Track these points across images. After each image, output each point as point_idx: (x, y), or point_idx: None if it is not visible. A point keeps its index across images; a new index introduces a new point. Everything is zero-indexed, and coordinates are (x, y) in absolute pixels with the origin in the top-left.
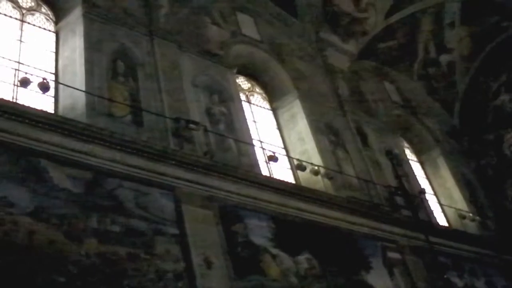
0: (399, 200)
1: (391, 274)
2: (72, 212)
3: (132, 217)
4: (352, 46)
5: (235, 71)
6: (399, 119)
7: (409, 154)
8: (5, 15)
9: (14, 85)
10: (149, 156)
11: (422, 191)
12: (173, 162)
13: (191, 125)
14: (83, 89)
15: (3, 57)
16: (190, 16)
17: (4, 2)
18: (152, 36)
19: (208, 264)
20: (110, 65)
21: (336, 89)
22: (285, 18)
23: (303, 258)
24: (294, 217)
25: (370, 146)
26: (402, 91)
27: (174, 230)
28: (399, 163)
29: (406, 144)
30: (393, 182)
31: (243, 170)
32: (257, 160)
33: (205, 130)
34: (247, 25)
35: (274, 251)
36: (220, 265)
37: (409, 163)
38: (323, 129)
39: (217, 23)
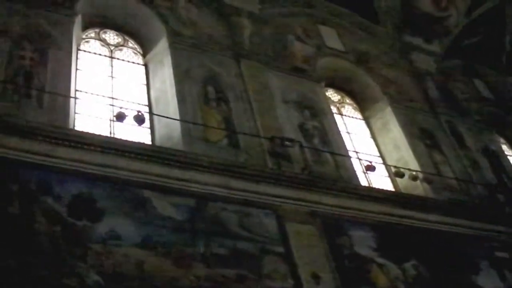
0: (501, 197)
1: (500, 274)
2: (179, 239)
3: (237, 239)
4: (436, 47)
5: (323, 84)
6: (493, 115)
7: (506, 150)
8: (95, 53)
9: (111, 120)
10: (248, 177)
11: None
12: (272, 180)
13: (287, 143)
14: (177, 117)
15: (97, 94)
16: (273, 35)
17: (93, 41)
18: (238, 58)
19: (316, 279)
20: (201, 91)
21: (425, 91)
22: (367, 25)
23: (409, 265)
24: (396, 225)
25: (466, 145)
26: (492, 87)
27: (280, 249)
28: (497, 160)
29: (502, 140)
30: (493, 180)
31: (342, 182)
32: (355, 171)
33: (301, 146)
34: (330, 37)
35: (380, 260)
36: (328, 279)
37: (507, 159)
38: (417, 133)
39: (301, 39)
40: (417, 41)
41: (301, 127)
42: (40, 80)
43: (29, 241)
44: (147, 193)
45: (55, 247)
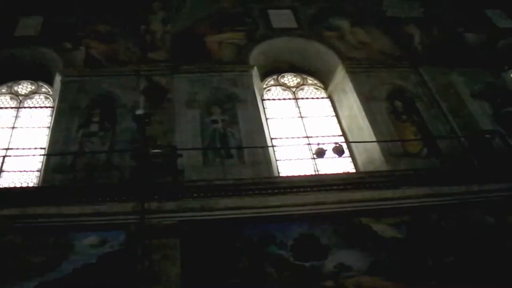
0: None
1: None
2: (404, 258)
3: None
4: None
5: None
6: None
7: None
8: (279, 99)
9: (312, 158)
10: (458, 180)
11: None
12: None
13: (487, 135)
14: (373, 139)
15: (292, 137)
16: (441, 34)
17: (274, 88)
18: (416, 66)
19: None
20: (389, 108)
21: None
22: None
23: None
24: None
25: None
26: None
27: None
28: None
29: None
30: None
31: None
32: None
33: (502, 137)
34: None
35: None
36: None
37: None
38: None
39: (471, 30)
40: None
41: (496, 118)
42: (236, 138)
43: None
44: (364, 220)
45: None
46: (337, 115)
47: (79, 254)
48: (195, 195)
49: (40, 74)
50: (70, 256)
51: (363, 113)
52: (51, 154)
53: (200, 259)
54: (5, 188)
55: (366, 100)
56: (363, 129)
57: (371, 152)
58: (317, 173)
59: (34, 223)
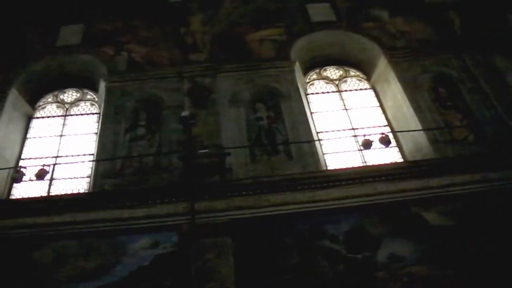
0: None
1: None
2: (454, 246)
3: None
4: None
5: None
6: None
7: None
8: (322, 92)
9: (359, 150)
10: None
11: None
12: None
13: None
14: (419, 127)
15: (337, 130)
16: (482, 18)
17: (316, 82)
18: (459, 52)
19: None
20: (433, 95)
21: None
22: None
23: None
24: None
25: None
26: None
27: None
28: None
29: None
30: None
31: None
32: None
33: None
34: None
35: None
36: None
37: None
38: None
39: None
40: None
41: None
42: (282, 134)
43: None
44: (414, 209)
45: (341, 285)
46: (381, 106)
47: (133, 257)
48: (244, 192)
49: (84, 82)
50: (123, 259)
51: (407, 102)
52: (100, 159)
53: (252, 256)
54: (56, 196)
55: (410, 88)
56: (408, 118)
57: (418, 141)
58: (364, 164)
59: (87, 228)
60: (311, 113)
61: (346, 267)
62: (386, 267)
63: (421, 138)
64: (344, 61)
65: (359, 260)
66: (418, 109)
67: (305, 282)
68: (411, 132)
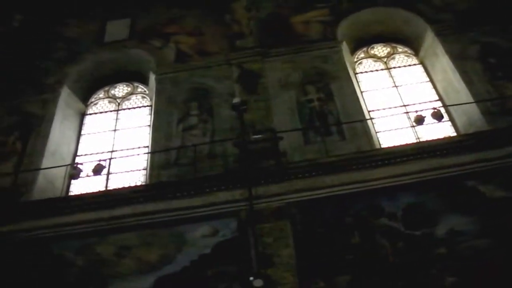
0: None
1: None
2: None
3: None
4: None
5: None
6: None
7: None
8: (371, 71)
9: (411, 126)
10: None
11: None
12: None
13: None
14: (471, 100)
15: (389, 107)
16: None
17: (365, 61)
18: (505, 22)
19: None
20: (483, 66)
21: None
22: None
23: None
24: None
25: None
26: None
27: None
28: None
29: None
30: None
31: None
32: None
33: None
34: None
35: None
36: None
37: None
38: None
39: None
40: None
41: None
42: (334, 115)
43: (381, 266)
44: (470, 183)
45: (401, 262)
46: (431, 80)
47: (193, 245)
48: (299, 175)
49: (134, 75)
50: (184, 248)
51: (457, 75)
52: (155, 151)
53: (312, 238)
54: (114, 190)
55: (459, 61)
56: (459, 91)
57: (470, 114)
58: (418, 140)
59: (146, 220)
60: (361, 92)
61: (405, 244)
62: (446, 243)
63: (474, 110)
64: (391, 38)
65: (418, 236)
66: (468, 81)
67: (365, 261)
68: (463, 105)
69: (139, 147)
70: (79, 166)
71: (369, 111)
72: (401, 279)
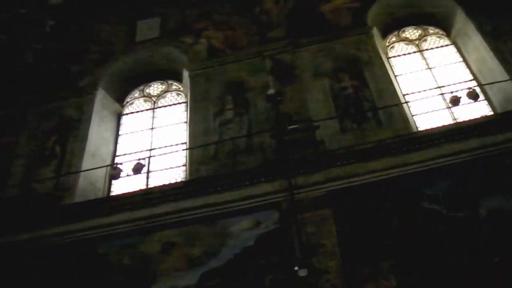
0: None
1: None
2: None
3: None
4: None
5: None
6: None
7: None
8: (404, 54)
9: (447, 108)
10: None
11: None
12: None
13: None
14: (506, 77)
15: (424, 90)
16: None
17: (396, 45)
18: None
19: None
20: None
21: None
22: None
23: None
24: None
25: None
26: None
27: None
28: None
29: None
30: None
31: None
32: None
33: None
34: None
35: None
36: None
37: None
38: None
39: None
40: None
41: None
42: (369, 101)
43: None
44: (510, 161)
45: (444, 245)
46: (464, 60)
47: (236, 239)
48: (338, 163)
49: (168, 73)
50: (227, 242)
51: (491, 53)
52: (193, 147)
53: (353, 225)
54: (155, 187)
55: (492, 39)
56: (494, 69)
57: (507, 91)
58: (455, 121)
59: (188, 216)
60: (395, 76)
61: (448, 226)
62: (489, 223)
63: (510, 88)
64: (422, 20)
65: (460, 218)
66: (503, 59)
67: (408, 245)
68: (498, 83)
69: (177, 144)
70: (119, 166)
71: (404, 95)
72: (445, 261)
